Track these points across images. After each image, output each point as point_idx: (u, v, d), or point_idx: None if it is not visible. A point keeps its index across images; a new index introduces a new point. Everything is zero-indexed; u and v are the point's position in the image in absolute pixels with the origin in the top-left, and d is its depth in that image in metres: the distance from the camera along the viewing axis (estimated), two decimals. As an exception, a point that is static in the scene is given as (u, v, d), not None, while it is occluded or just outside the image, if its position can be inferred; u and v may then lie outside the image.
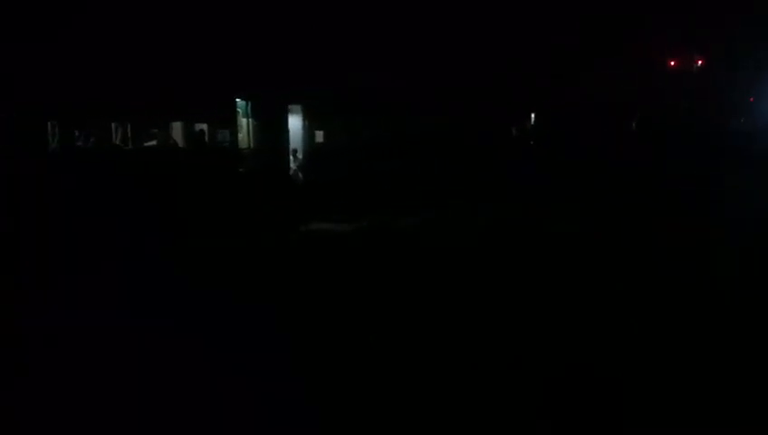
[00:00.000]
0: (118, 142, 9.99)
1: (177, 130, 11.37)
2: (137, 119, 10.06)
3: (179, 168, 10.26)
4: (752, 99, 29.14)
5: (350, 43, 14.72)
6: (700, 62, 28.38)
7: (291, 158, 13.82)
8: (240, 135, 12.49)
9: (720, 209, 12.28)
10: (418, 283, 6.95)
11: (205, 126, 11.31)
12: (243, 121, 12.55)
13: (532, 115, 21.39)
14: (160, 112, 10.41)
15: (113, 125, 10.25)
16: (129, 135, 9.93)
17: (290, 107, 13.54)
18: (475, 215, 13.80)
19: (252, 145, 12.50)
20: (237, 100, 12.31)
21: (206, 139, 11.26)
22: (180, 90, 10.74)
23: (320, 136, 14.13)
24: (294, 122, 13.74)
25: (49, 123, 9.44)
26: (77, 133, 9.55)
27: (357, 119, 15.12)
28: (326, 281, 7.35)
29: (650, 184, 17.03)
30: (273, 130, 12.89)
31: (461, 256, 8.62)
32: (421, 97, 16.74)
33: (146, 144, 10.16)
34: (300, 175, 13.84)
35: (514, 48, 20.83)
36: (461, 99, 18.39)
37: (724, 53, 27.94)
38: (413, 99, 16.55)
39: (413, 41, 16.26)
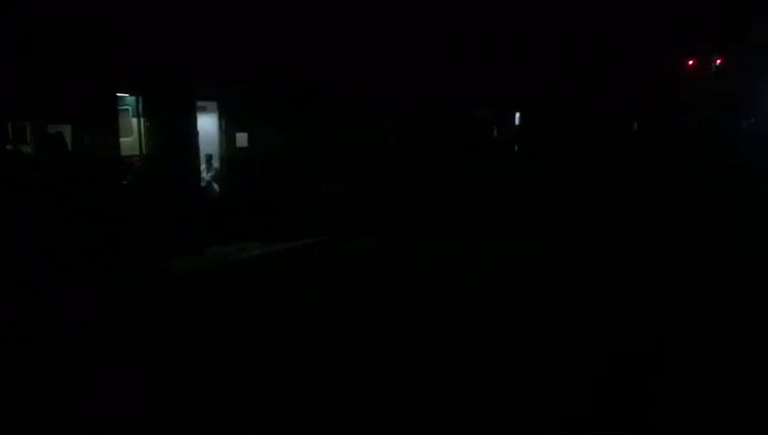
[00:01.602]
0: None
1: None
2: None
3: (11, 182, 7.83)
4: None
5: (286, 23, 12.19)
6: (719, 61, 26.14)
7: (203, 166, 11.36)
8: (129, 139, 10.03)
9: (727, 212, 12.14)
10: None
11: (68, 128, 8.84)
12: (132, 122, 10.09)
13: (517, 115, 18.77)
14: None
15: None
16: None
17: (201, 104, 11.07)
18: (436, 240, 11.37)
19: (145, 152, 10.03)
20: (122, 95, 9.86)
21: (69, 144, 8.80)
22: (25, 78, 8.28)
23: (242, 140, 11.60)
24: (207, 123, 11.26)
25: None
26: None
27: (294, 120, 12.61)
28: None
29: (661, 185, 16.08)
30: (175, 132, 10.40)
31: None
32: (376, 96, 14.20)
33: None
34: (215, 187, 11.37)
35: (503, 41, 18.20)
36: (431, 99, 15.82)
37: (741, 50, 25.60)
38: (366, 97, 14.02)
39: (368, 23, 13.69)
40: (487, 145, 17.46)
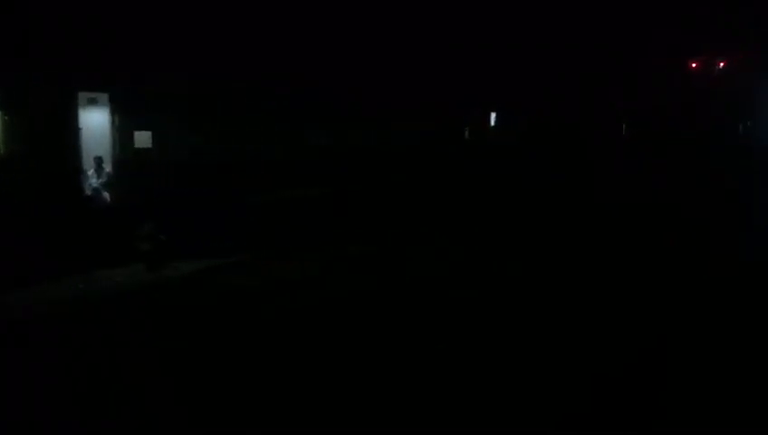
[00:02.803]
0: None
1: None
2: None
3: None
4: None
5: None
6: (722, 64, 25.19)
7: (92, 171, 9.35)
8: (-19, 136, 8.03)
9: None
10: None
11: None
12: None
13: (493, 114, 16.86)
14: None
15: None
16: None
17: (89, 95, 9.09)
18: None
19: (3, 151, 8.02)
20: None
21: None
22: None
23: (144, 139, 9.56)
24: (98, 118, 9.28)
25: None
26: None
27: (215, 117, 10.61)
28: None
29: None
30: (46, 129, 8.40)
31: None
32: (326, 85, 12.24)
33: None
34: (105, 195, 9.34)
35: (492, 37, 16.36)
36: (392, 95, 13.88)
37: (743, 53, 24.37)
38: (311, 86, 12.05)
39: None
40: (463, 145, 15.67)
